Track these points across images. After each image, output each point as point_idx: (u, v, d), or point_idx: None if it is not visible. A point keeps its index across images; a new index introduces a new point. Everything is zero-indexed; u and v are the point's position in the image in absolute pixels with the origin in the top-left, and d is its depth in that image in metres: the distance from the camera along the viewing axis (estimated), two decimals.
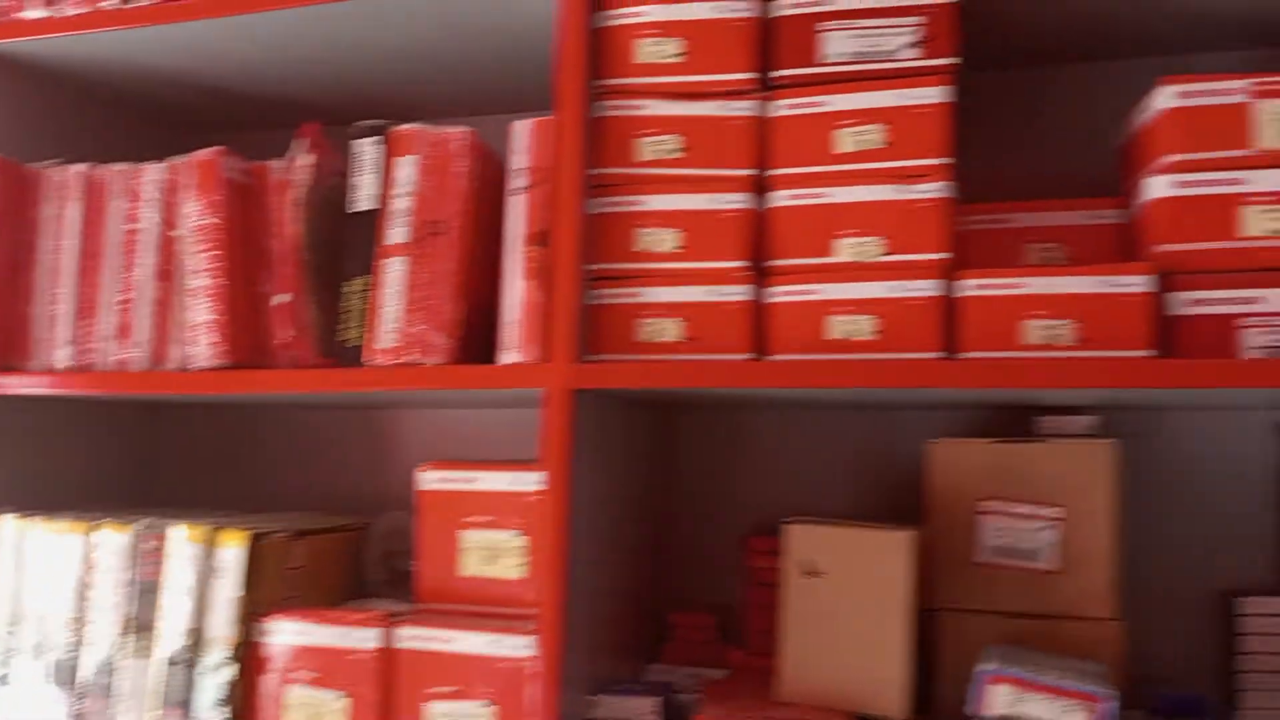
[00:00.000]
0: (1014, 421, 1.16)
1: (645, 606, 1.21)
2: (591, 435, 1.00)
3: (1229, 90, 0.90)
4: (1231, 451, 1.12)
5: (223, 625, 1.06)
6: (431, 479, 1.08)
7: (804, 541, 0.99)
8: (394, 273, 1.02)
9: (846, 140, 0.94)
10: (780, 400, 1.20)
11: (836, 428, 1.24)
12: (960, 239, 1.07)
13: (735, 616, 1.24)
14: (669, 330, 0.97)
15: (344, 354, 1.05)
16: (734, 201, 0.96)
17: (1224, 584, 1.11)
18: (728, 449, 1.28)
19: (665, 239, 0.98)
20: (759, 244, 0.98)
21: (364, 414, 1.41)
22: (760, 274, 0.97)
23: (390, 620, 1.03)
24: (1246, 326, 0.87)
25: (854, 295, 0.94)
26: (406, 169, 1.03)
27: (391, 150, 1.04)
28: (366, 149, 1.05)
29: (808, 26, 0.96)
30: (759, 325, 0.97)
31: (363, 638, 1.03)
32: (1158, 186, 0.91)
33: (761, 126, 0.97)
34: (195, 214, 1.11)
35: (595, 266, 0.99)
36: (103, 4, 1.17)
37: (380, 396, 1.15)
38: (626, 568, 1.13)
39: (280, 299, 1.08)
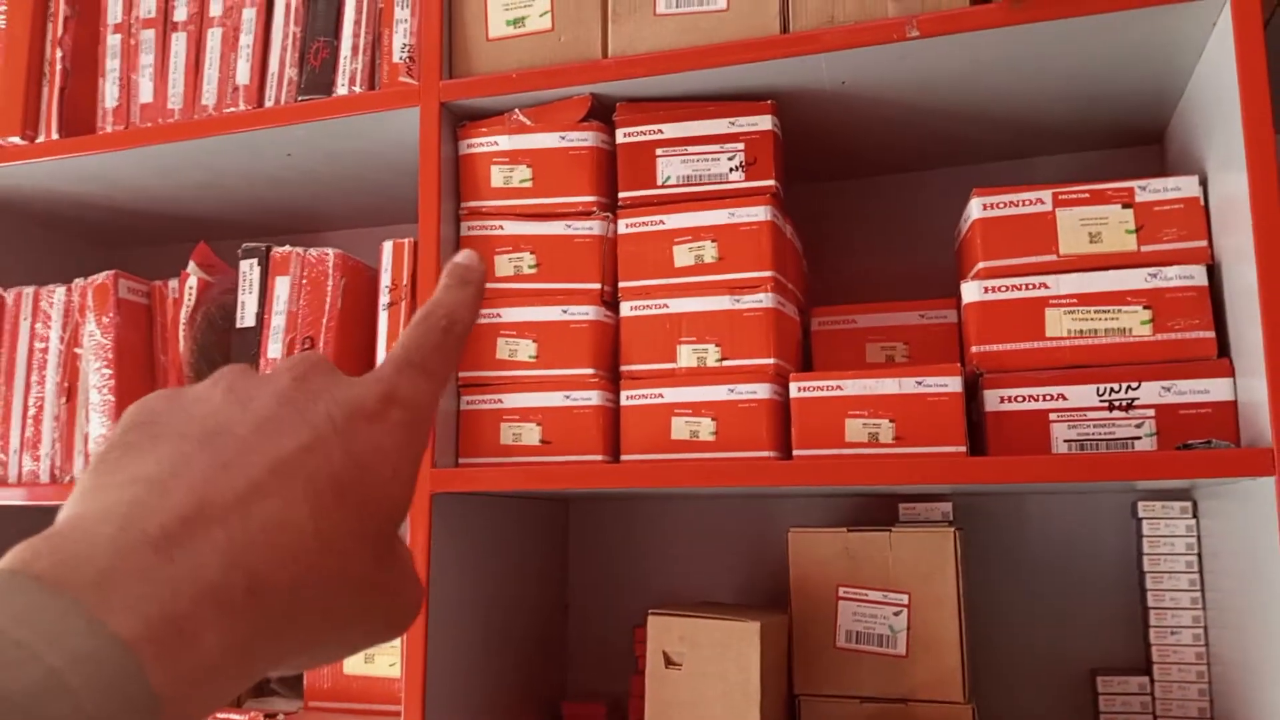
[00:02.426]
0: (883, 507, 1.21)
1: (536, 698, 1.24)
2: (458, 537, 1.05)
3: (1033, 200, 0.97)
4: (1089, 533, 1.17)
5: None
6: None
7: (664, 631, 1.04)
8: None
9: (683, 255, 1.01)
10: (657, 494, 1.26)
11: (725, 514, 1.29)
12: (810, 339, 1.14)
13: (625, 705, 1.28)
14: (529, 434, 1.03)
15: None
16: (584, 313, 1.03)
17: (1086, 663, 1.15)
18: (624, 537, 1.33)
19: (523, 348, 1.04)
20: (609, 352, 1.04)
21: None
22: (611, 380, 1.03)
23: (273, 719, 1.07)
24: (1056, 421, 0.93)
25: (694, 399, 1.00)
26: (284, 288, 1.10)
27: (271, 270, 1.11)
28: (249, 269, 1.12)
29: (645, 153, 1.03)
30: (612, 427, 1.02)
31: None
32: (971, 291, 0.98)
33: (607, 244, 1.04)
34: (93, 332, 1.17)
35: (462, 374, 1.06)
36: (19, 140, 1.25)
37: None
38: (512, 661, 1.17)
39: None
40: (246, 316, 1.12)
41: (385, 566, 0.29)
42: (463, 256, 0.36)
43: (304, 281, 1.10)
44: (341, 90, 1.10)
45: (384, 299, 1.06)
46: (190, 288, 1.16)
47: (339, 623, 0.28)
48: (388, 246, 1.07)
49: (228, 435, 0.28)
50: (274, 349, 1.09)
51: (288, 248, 1.12)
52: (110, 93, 1.21)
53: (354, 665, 1.11)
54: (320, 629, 0.28)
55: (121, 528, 0.24)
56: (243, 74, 1.14)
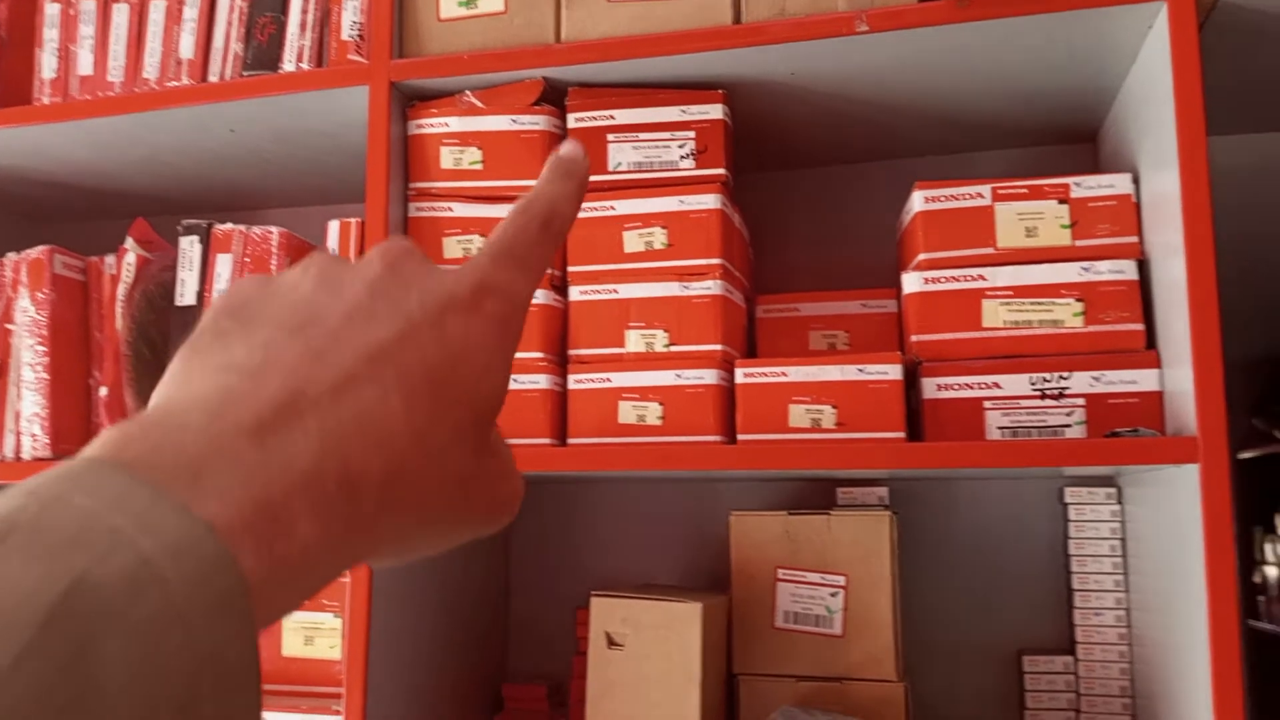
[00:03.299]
0: (822, 491, 1.23)
1: (477, 680, 1.25)
2: None
3: (973, 194, 1.00)
4: (1019, 519, 1.21)
5: None
6: None
7: (606, 613, 1.05)
8: None
9: (633, 241, 1.02)
10: (602, 478, 1.27)
11: (668, 498, 1.31)
12: (755, 326, 1.15)
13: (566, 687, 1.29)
14: None
15: None
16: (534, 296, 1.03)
17: (1013, 643, 1.19)
18: (567, 521, 1.33)
19: None
20: (558, 335, 1.05)
21: None
22: (559, 364, 1.04)
23: None
24: (990, 409, 0.96)
25: (642, 383, 1.01)
26: (225, 266, 1.08)
27: (212, 248, 1.09)
28: (189, 246, 1.10)
29: (597, 138, 1.04)
30: (559, 411, 1.03)
31: None
32: (912, 282, 1.00)
33: None
34: (27, 309, 1.14)
35: None
36: None
37: None
38: (453, 643, 1.17)
39: (103, 391, 1.12)
40: (187, 294, 1.10)
41: (481, 460, 0.29)
42: (566, 148, 0.35)
43: (247, 260, 1.08)
44: (288, 67, 1.09)
45: None
46: (128, 264, 1.14)
47: (434, 515, 0.28)
48: (334, 226, 1.07)
49: (320, 324, 0.27)
50: None
51: (230, 225, 1.10)
52: (48, 64, 1.18)
53: (293, 647, 1.10)
54: (414, 521, 0.28)
55: (215, 415, 0.24)
56: (186, 48, 1.12)
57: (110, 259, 1.17)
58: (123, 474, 0.22)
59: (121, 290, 1.14)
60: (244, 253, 1.08)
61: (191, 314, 1.09)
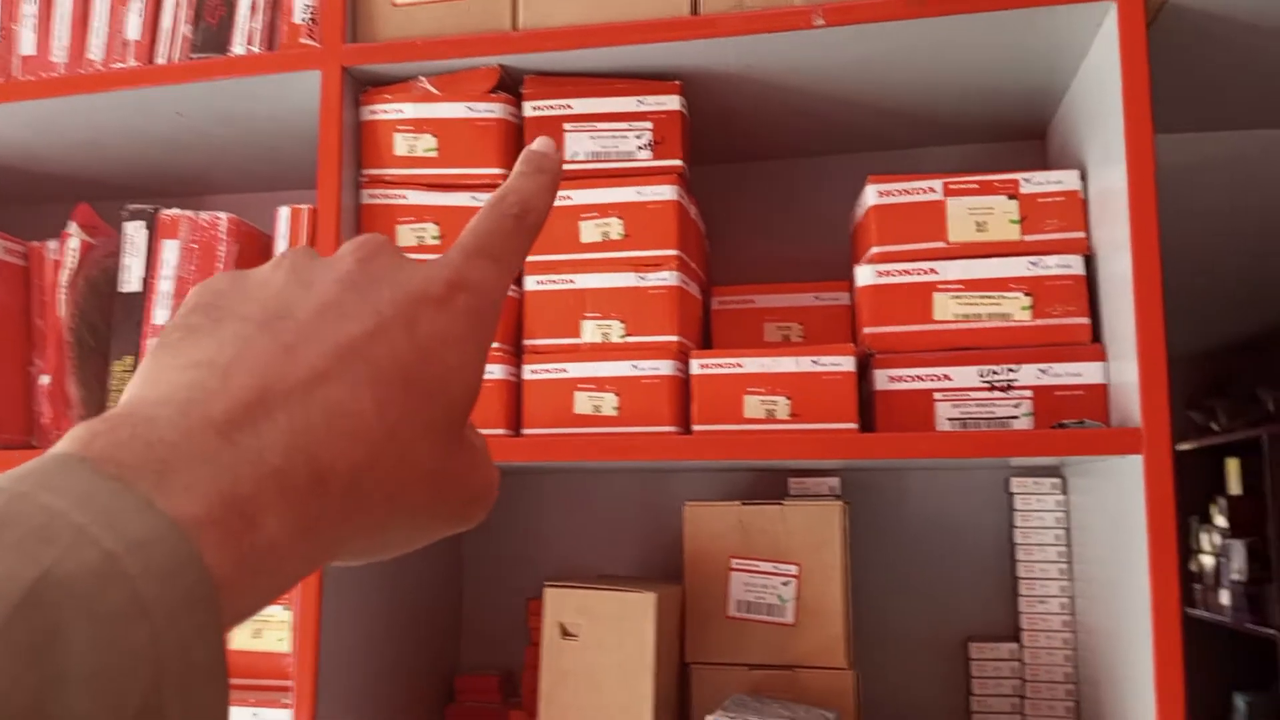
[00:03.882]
0: (775, 482, 1.24)
1: (429, 671, 1.24)
2: None
3: (925, 189, 1.01)
4: (966, 509, 1.23)
5: None
6: None
7: (560, 603, 1.05)
8: None
9: (589, 231, 1.02)
10: (556, 469, 1.26)
11: (622, 489, 1.31)
12: (711, 318, 1.16)
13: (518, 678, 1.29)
14: None
15: None
16: None
17: (960, 630, 1.21)
18: (521, 512, 1.33)
19: None
20: (513, 326, 1.04)
21: None
22: (514, 354, 1.04)
23: None
24: (940, 401, 0.98)
25: (598, 374, 1.01)
26: (171, 252, 1.06)
27: (158, 233, 1.07)
28: (134, 232, 1.07)
29: (553, 127, 1.03)
30: (514, 402, 1.03)
31: None
32: (864, 274, 1.01)
33: None
34: None
35: None
36: None
37: None
38: (405, 635, 1.16)
39: (44, 379, 1.09)
40: (131, 281, 1.08)
41: (454, 454, 0.29)
42: (539, 143, 0.35)
43: (194, 246, 1.06)
44: (238, 50, 1.07)
45: None
46: (71, 249, 1.11)
47: (406, 510, 0.28)
48: (284, 212, 1.05)
49: (290, 318, 0.27)
50: (160, 315, 1.05)
51: (177, 210, 1.08)
52: None
53: (241, 640, 1.09)
54: (387, 517, 0.27)
55: (183, 411, 0.24)
56: (133, 28, 1.10)
57: (53, 244, 1.14)
58: (87, 469, 0.22)
59: (64, 276, 1.11)
60: (191, 238, 1.06)
61: (136, 301, 1.07)
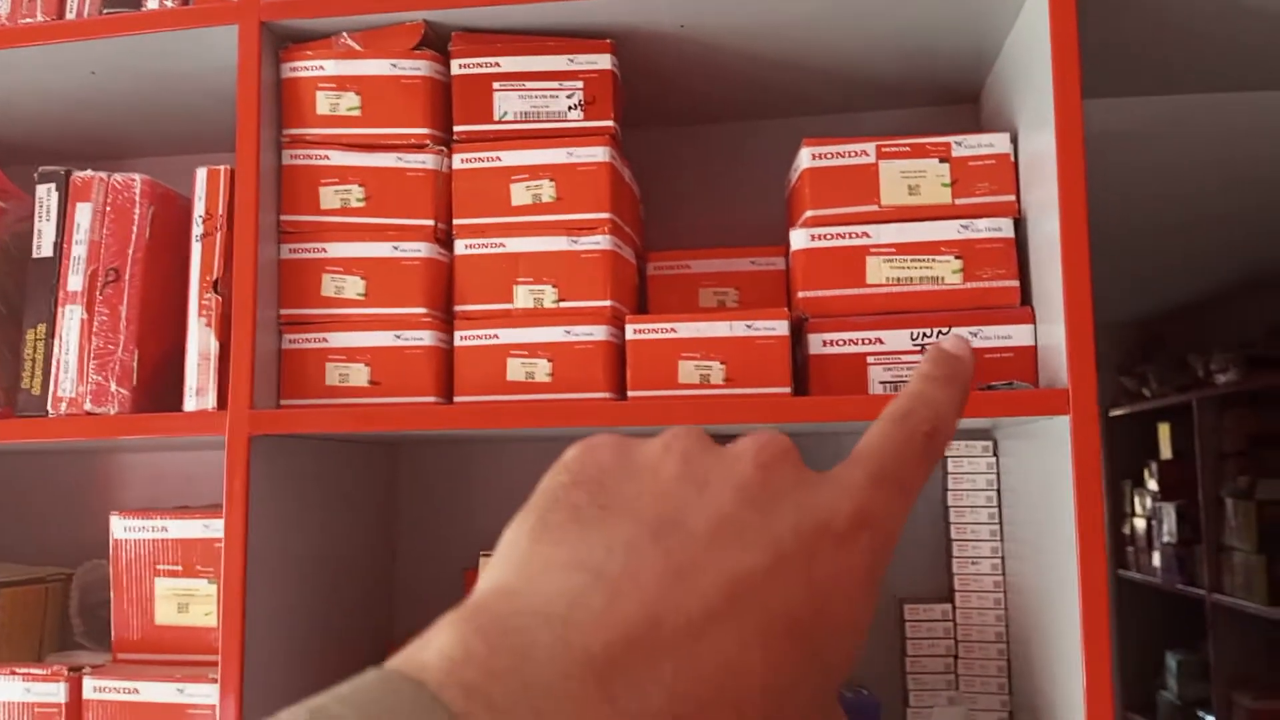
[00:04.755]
0: None
1: (363, 643, 1.22)
2: (278, 480, 1.01)
3: (858, 152, 1.00)
4: None
5: None
6: (122, 528, 1.07)
7: None
8: (72, 320, 1.01)
9: (520, 194, 1.00)
10: (490, 437, 1.25)
11: (556, 456, 1.29)
12: (646, 284, 1.15)
13: None
14: (357, 374, 1.00)
15: (27, 402, 1.03)
16: (416, 250, 1.00)
17: (895, 592, 1.22)
18: (456, 481, 1.31)
19: (350, 285, 1.01)
20: (443, 291, 1.02)
21: (65, 460, 1.37)
22: (445, 320, 1.01)
23: (78, 673, 1.01)
24: (873, 364, 0.98)
25: (531, 339, 0.99)
26: (85, 216, 1.02)
27: (71, 197, 1.03)
28: (46, 195, 1.03)
29: (482, 86, 1.01)
30: (445, 368, 1.01)
31: (49, 691, 1.01)
32: (799, 238, 1.01)
33: (441, 178, 1.02)
34: None
35: (285, 312, 1.01)
36: None
37: (74, 444, 1.13)
38: (336, 607, 1.14)
39: None
40: (44, 246, 1.03)
41: None
42: (952, 344, 0.30)
43: (108, 209, 1.02)
44: (152, 4, 1.03)
45: (197, 229, 1.00)
46: None
47: None
48: (201, 174, 1.01)
49: (683, 531, 0.24)
50: (74, 281, 1.01)
51: (90, 172, 1.04)
52: None
53: (167, 615, 1.06)
54: None
55: (562, 637, 0.21)
56: None
57: None
58: None
59: None
60: (104, 202, 1.02)
61: (50, 266, 1.03)
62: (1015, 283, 0.96)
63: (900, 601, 1.19)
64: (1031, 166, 0.95)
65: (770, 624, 0.23)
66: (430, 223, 1.01)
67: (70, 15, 1.06)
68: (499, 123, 1.01)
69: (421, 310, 1.00)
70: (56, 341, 1.01)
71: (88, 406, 1.00)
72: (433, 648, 0.21)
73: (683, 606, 0.22)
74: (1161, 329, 4.15)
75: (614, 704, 0.21)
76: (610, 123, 1.00)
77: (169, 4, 1.03)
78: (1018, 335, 0.95)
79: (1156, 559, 3.97)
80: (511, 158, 1.00)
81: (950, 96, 1.22)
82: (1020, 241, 0.97)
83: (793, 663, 0.23)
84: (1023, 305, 0.96)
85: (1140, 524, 4.22)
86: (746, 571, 0.23)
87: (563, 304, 0.99)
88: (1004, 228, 0.97)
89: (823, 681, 0.24)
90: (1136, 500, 4.28)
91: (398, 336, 1.00)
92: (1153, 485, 4.11)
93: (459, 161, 1.01)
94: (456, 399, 1.00)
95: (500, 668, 0.21)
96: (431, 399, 1.00)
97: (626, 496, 0.25)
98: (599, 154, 0.99)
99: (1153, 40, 1.09)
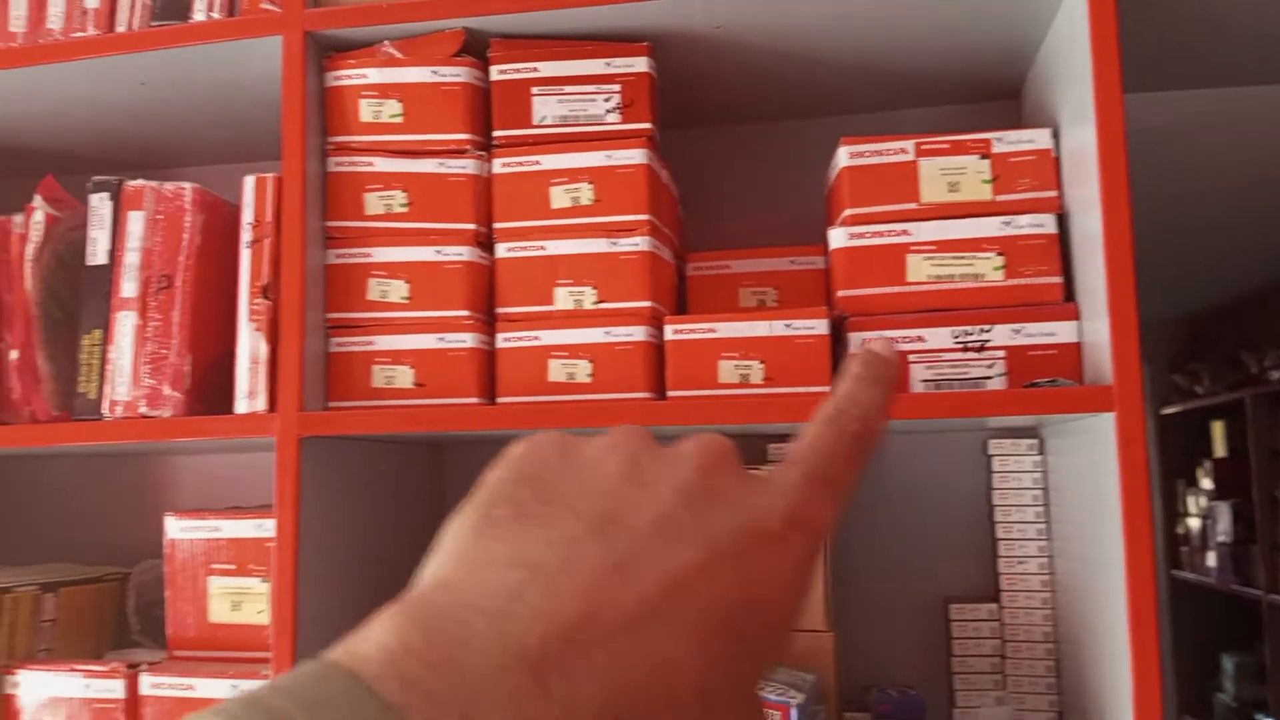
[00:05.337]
0: (753, 448, 1.24)
1: None
2: (327, 481, 1.03)
3: (897, 150, 1.00)
4: (944, 471, 1.23)
5: None
6: (177, 528, 1.10)
7: None
8: (126, 326, 1.03)
9: (559, 197, 1.01)
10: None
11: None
12: (686, 284, 1.15)
13: None
14: (402, 376, 1.02)
15: (83, 406, 1.06)
16: (458, 253, 1.02)
17: (940, 592, 1.22)
18: None
19: (395, 289, 1.03)
20: (485, 293, 1.03)
21: (120, 462, 1.41)
22: (487, 322, 1.03)
23: (135, 670, 1.04)
24: (914, 363, 0.97)
25: (571, 341, 1.00)
26: (137, 224, 1.04)
27: (123, 205, 1.05)
28: (99, 204, 1.06)
29: (520, 91, 1.02)
30: (487, 370, 1.02)
31: (108, 688, 1.04)
32: (838, 237, 1.00)
33: (481, 183, 1.03)
34: None
35: (332, 316, 1.03)
36: None
37: (128, 447, 1.15)
38: (384, 605, 1.16)
39: (13, 354, 1.08)
40: (98, 254, 1.06)
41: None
42: (879, 346, 0.32)
43: (159, 217, 1.05)
44: (199, 16, 1.05)
45: (246, 236, 1.02)
46: (37, 223, 1.10)
47: None
48: (249, 182, 1.03)
49: (622, 527, 0.25)
50: (128, 287, 1.04)
51: (141, 181, 1.07)
52: None
53: (220, 613, 1.08)
54: None
55: (499, 629, 0.22)
56: None
57: (18, 218, 1.13)
58: (381, 717, 0.20)
59: (30, 250, 1.10)
60: (156, 210, 1.05)
61: (104, 273, 1.06)
62: (1059, 279, 0.95)
63: (946, 601, 1.18)
64: (1073, 162, 0.94)
65: (704, 619, 0.23)
66: (472, 227, 1.02)
67: (120, 28, 1.09)
68: (538, 127, 1.02)
69: (464, 313, 1.01)
70: (111, 347, 1.04)
71: (142, 409, 1.03)
72: (371, 640, 0.22)
73: (619, 601, 0.23)
74: (1212, 325, 4.07)
75: (549, 695, 0.21)
76: (648, 125, 1.00)
77: (216, 16, 1.05)
78: (1061, 332, 0.94)
79: (1211, 559, 3.90)
80: (550, 161, 1.01)
81: (991, 93, 1.21)
82: (1063, 237, 0.96)
83: (725, 655, 0.24)
84: (1066, 302, 0.95)
85: (1194, 524, 4.14)
86: (683, 568, 0.24)
87: (602, 305, 1.00)
88: (1046, 224, 0.96)
89: (752, 672, 0.25)
90: (1190, 499, 4.20)
91: (441, 339, 1.02)
92: (1206, 484, 4.03)
93: (499, 166, 1.02)
94: (499, 400, 1.01)
95: (437, 659, 0.21)
96: (475, 400, 1.01)
97: (569, 493, 0.26)
98: (637, 156, 1.00)
99: (1194, 33, 1.07)
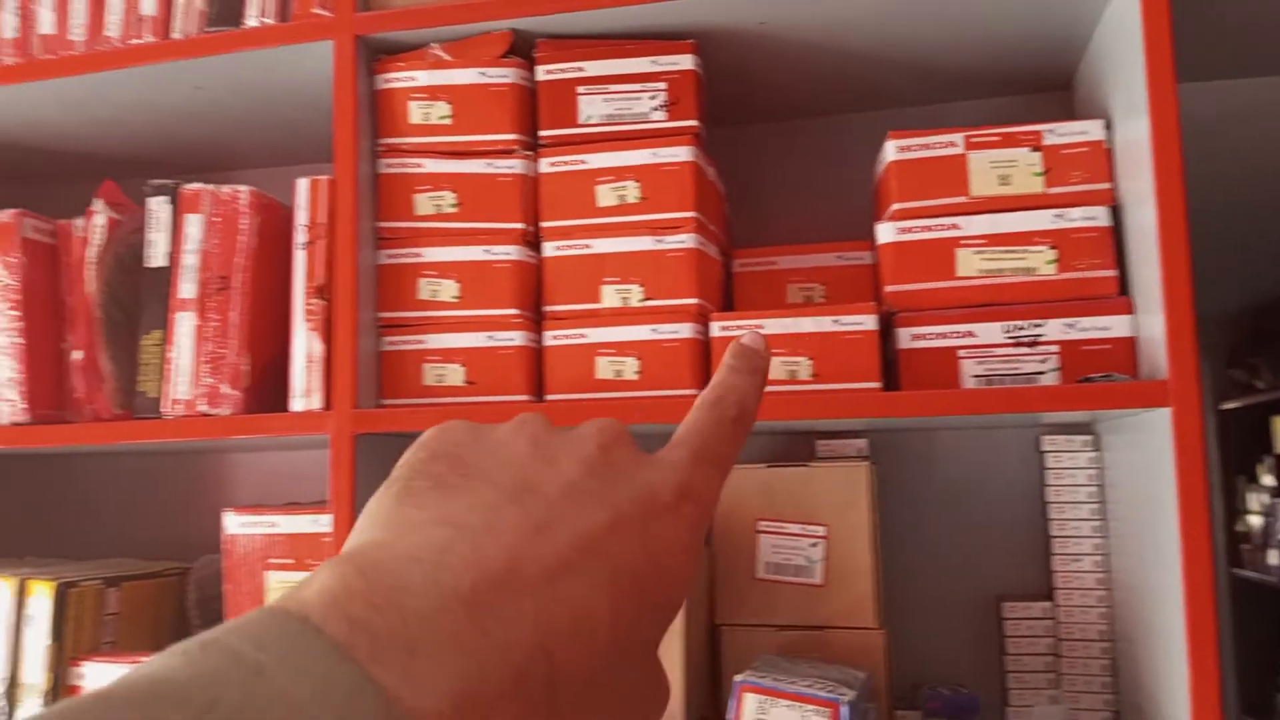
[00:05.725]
0: (801, 444, 1.24)
1: None
2: (381, 477, 1.04)
3: (946, 143, 0.99)
4: (996, 467, 1.22)
5: (37, 671, 1.08)
6: (236, 524, 1.12)
7: None
8: (185, 326, 1.06)
9: (606, 195, 1.02)
10: None
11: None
12: (733, 281, 1.15)
13: None
14: (452, 375, 1.03)
15: (144, 405, 1.08)
16: (507, 252, 1.03)
17: (992, 590, 1.20)
18: None
19: (445, 288, 1.04)
20: (532, 292, 1.04)
21: (180, 460, 1.44)
22: (535, 320, 1.04)
23: None
24: (964, 358, 0.96)
25: (618, 338, 1.00)
26: (195, 226, 1.07)
27: (181, 208, 1.08)
28: (158, 207, 1.08)
29: (566, 91, 1.03)
30: (535, 368, 1.03)
31: None
32: (886, 232, 1.00)
33: (529, 183, 1.04)
34: None
35: (383, 315, 1.05)
36: None
37: (188, 444, 1.18)
38: None
39: (76, 355, 1.11)
40: (157, 256, 1.09)
41: (649, 670, 0.28)
42: (749, 339, 0.35)
43: (216, 219, 1.07)
44: (252, 22, 1.07)
45: (300, 238, 1.04)
46: (98, 226, 1.13)
47: None
48: (303, 184, 1.05)
49: (538, 493, 0.27)
50: (186, 289, 1.07)
51: (198, 185, 1.09)
52: (8, 22, 1.16)
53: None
54: None
55: (434, 577, 0.24)
56: (148, 4, 1.10)
57: (79, 222, 1.16)
58: (331, 655, 0.21)
59: (92, 253, 1.13)
60: (213, 212, 1.07)
61: (163, 275, 1.08)
62: (1113, 272, 0.94)
63: (999, 599, 1.17)
64: (1127, 153, 0.93)
65: (615, 575, 0.26)
66: (520, 226, 1.03)
67: (175, 34, 1.11)
68: (584, 126, 1.02)
69: (513, 311, 1.02)
70: (171, 347, 1.06)
71: (201, 408, 1.05)
72: (314, 586, 0.23)
73: (540, 556, 0.25)
74: (1272, 319, 3.97)
75: (487, 634, 0.23)
76: (694, 122, 1.01)
77: (268, 21, 1.07)
78: (1116, 326, 0.93)
79: (1273, 557, 3.80)
80: (596, 160, 1.02)
81: (1041, 84, 1.19)
82: (1117, 230, 0.95)
83: (632, 607, 0.26)
84: (1120, 295, 0.94)
85: (1256, 521, 4.04)
86: (594, 528, 0.27)
87: (649, 303, 1.01)
88: (1099, 216, 0.95)
89: (655, 627, 0.27)
90: (1251, 496, 4.10)
91: (490, 337, 1.03)
92: (1268, 480, 3.94)
93: (546, 165, 1.03)
94: (548, 397, 1.02)
95: (380, 602, 0.22)
96: (524, 397, 1.02)
97: (484, 467, 0.28)
98: (682, 154, 1.00)
99: (1247, 21, 1.05)
